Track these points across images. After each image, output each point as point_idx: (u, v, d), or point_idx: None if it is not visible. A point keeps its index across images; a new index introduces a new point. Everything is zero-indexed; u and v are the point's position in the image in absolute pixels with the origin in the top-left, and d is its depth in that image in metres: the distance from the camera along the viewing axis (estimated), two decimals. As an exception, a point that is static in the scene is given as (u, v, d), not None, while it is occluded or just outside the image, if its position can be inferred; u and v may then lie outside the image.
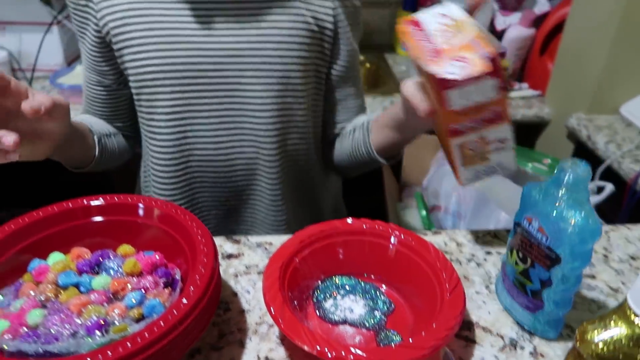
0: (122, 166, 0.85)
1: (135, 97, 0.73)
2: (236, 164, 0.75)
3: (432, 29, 0.58)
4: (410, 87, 0.58)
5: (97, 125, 0.76)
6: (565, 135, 1.25)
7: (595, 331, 0.42)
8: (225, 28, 0.68)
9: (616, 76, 1.15)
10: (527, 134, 1.37)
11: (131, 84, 0.72)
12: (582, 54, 1.20)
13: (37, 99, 0.51)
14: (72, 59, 1.33)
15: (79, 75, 1.22)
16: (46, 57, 1.27)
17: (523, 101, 1.34)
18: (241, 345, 0.52)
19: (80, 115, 0.80)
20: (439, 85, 0.52)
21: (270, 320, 0.54)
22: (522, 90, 1.36)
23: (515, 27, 1.32)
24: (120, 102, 0.78)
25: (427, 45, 0.56)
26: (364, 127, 0.75)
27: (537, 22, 1.33)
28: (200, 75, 0.69)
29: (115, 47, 0.69)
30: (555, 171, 0.47)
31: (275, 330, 0.54)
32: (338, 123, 0.81)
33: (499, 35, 1.37)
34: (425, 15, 0.60)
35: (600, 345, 0.41)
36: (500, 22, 1.36)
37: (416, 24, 0.60)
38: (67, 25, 1.28)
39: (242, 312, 0.56)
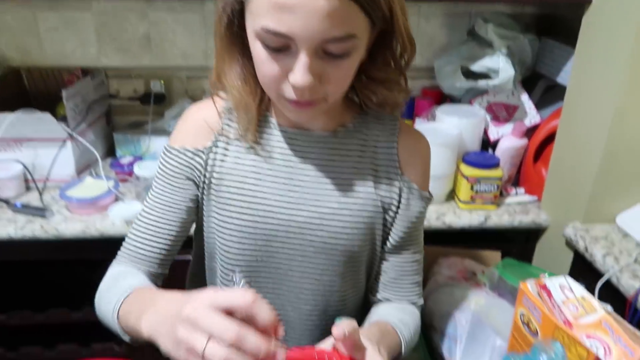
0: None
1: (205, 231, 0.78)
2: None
3: (559, 299, 0.65)
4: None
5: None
6: (563, 243, 1.25)
7: None
8: (302, 202, 0.73)
9: (610, 186, 1.17)
10: (527, 239, 1.37)
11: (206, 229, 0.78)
12: (574, 164, 1.23)
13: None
14: (81, 170, 1.40)
15: (87, 187, 1.28)
16: (58, 169, 1.34)
17: (520, 207, 1.35)
18: None
19: (135, 281, 0.70)
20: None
21: None
22: (518, 196, 1.38)
23: (507, 138, 1.37)
24: (178, 244, 0.78)
25: (559, 316, 0.63)
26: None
27: (529, 132, 1.38)
28: (271, 239, 0.74)
29: (205, 192, 0.75)
30: (533, 349, 0.48)
31: None
32: (378, 293, 0.83)
33: (492, 144, 1.42)
34: (551, 282, 0.67)
35: None
36: (493, 132, 1.41)
37: (545, 288, 0.66)
38: (79, 140, 1.35)
39: None
